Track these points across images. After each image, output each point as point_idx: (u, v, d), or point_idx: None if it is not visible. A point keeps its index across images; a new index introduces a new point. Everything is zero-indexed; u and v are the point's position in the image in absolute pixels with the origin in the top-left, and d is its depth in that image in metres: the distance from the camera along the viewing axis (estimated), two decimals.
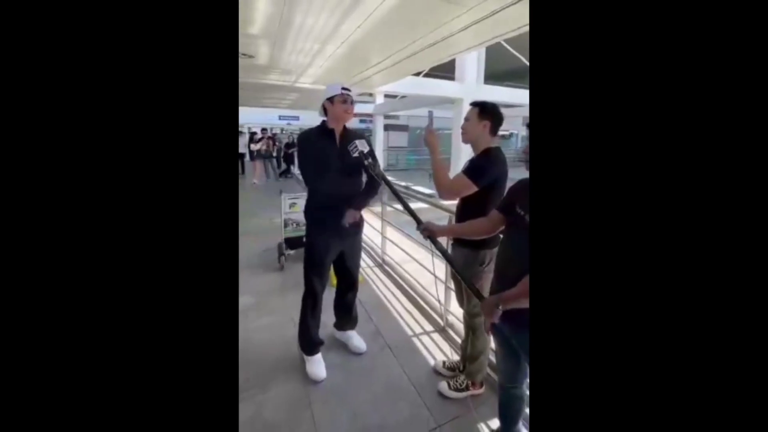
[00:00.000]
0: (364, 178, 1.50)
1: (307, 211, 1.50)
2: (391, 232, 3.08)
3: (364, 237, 3.70)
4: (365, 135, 1.51)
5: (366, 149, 1.36)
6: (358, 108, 9.42)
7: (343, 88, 1.40)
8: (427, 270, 1.98)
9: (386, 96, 8.53)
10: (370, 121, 12.75)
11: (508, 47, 5.29)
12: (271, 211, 4.36)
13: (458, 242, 1.35)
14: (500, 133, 1.30)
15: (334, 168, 1.39)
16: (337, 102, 1.40)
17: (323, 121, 1.47)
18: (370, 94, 9.64)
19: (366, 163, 1.35)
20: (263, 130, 8.69)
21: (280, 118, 14.22)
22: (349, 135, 1.47)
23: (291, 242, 2.89)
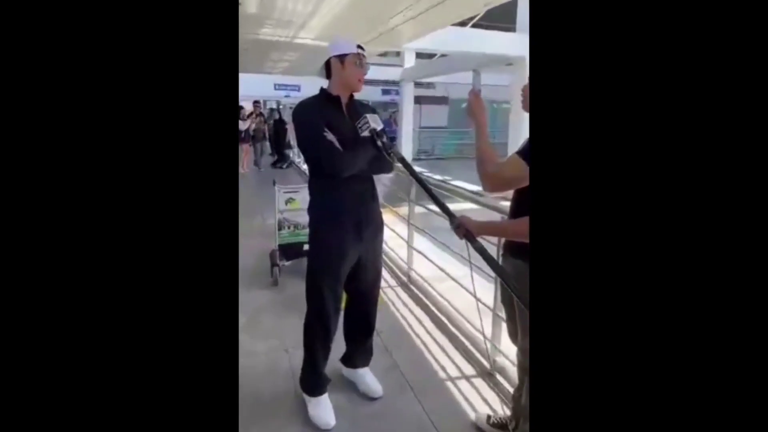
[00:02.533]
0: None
1: (314, 205, 1.55)
2: (420, 241, 3.11)
3: (383, 246, 3.76)
4: (374, 108, 1.56)
5: (379, 126, 1.40)
6: (380, 73, 9.54)
7: (359, 46, 1.44)
8: (468, 291, 1.99)
9: (418, 56, 8.59)
10: (396, 92, 12.83)
11: None
12: (262, 208, 4.51)
13: (510, 251, 1.33)
14: None
15: (344, 144, 1.42)
16: (350, 63, 1.43)
17: (323, 88, 1.51)
18: (397, 54, 9.73)
19: (379, 143, 1.39)
20: (255, 103, 8.97)
21: (277, 87, 14.62)
22: (357, 106, 1.52)
23: (287, 250, 3.00)
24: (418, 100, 11.00)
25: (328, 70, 1.49)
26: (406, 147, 9.03)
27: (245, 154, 8.22)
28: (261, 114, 8.87)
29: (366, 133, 1.40)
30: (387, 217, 3.60)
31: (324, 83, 1.54)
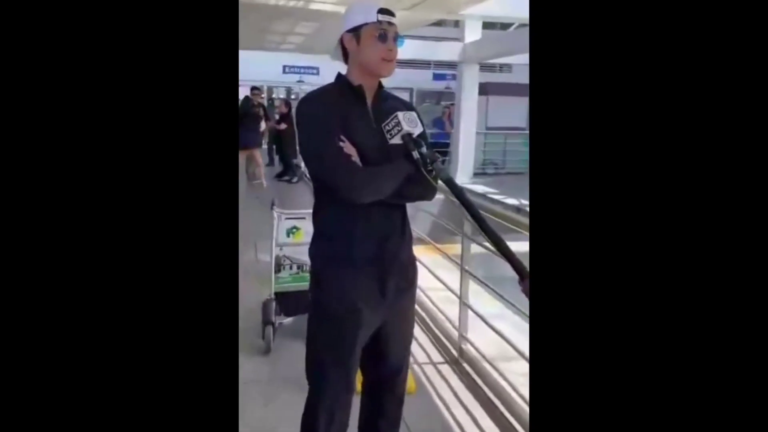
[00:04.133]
0: None
1: (316, 243, 1.58)
2: (479, 297, 3.06)
3: (424, 301, 3.74)
4: (412, 105, 1.54)
5: (416, 129, 1.39)
6: (430, 51, 9.63)
7: (381, 11, 1.45)
8: None
9: (486, 26, 8.69)
10: (453, 77, 12.83)
11: None
12: (254, 239, 4.58)
13: None
14: None
15: (367, 156, 1.44)
16: (368, 36, 1.44)
17: (341, 75, 1.54)
18: (456, 23, 9.89)
19: (416, 155, 1.37)
20: (254, 90, 9.34)
21: (286, 70, 14.92)
22: (387, 100, 1.53)
23: (287, 301, 3.03)
24: (485, 88, 11.03)
25: (344, 51, 1.52)
26: (466, 157, 9.02)
27: (255, 161, 8.51)
28: (261, 105, 9.16)
29: (397, 140, 1.40)
30: (430, 257, 3.58)
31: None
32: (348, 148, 1.41)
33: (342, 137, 1.41)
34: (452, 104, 10.89)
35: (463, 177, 8.81)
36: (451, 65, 10.48)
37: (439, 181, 1.43)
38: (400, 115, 1.38)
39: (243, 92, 9.20)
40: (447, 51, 8.86)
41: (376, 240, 1.51)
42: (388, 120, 1.40)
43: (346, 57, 1.52)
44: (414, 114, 1.42)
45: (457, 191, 1.40)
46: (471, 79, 8.75)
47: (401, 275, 1.58)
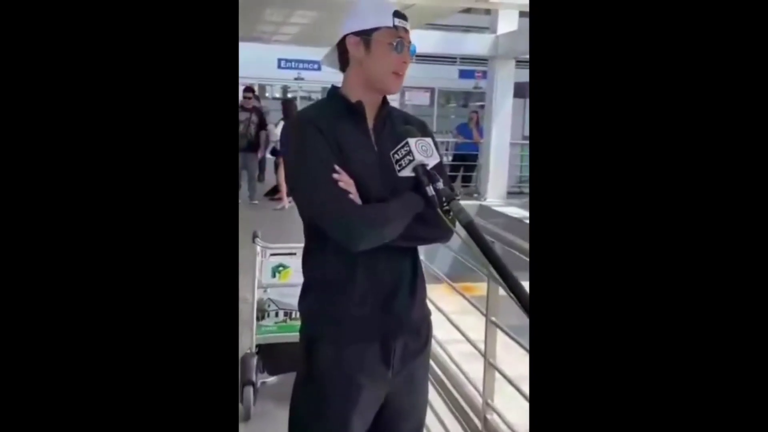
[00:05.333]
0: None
1: (307, 296, 1.58)
2: (508, 352, 3.01)
3: (441, 358, 3.69)
4: (426, 124, 1.55)
5: (431, 160, 1.40)
6: (455, 44, 9.69)
7: (397, 14, 1.45)
8: None
9: (523, 15, 8.74)
10: (483, 74, 12.93)
11: None
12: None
13: None
14: None
15: (368, 189, 1.43)
16: (380, 44, 1.46)
17: (334, 88, 1.55)
18: (486, 11, 9.97)
19: (430, 191, 1.36)
20: (246, 91, 9.43)
21: (282, 64, 15.17)
22: (393, 120, 1.53)
23: (271, 356, 3.04)
24: (522, 89, 11.03)
25: (342, 56, 1.52)
26: (498, 172, 9.05)
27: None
28: (256, 109, 9.22)
29: (407, 172, 1.39)
30: (449, 301, 3.54)
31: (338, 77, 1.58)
32: (345, 181, 1.40)
33: (338, 168, 1.40)
34: (482, 105, 10.92)
35: (494, 197, 8.79)
36: (482, 60, 10.53)
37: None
38: (412, 142, 1.37)
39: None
40: (476, 43, 8.93)
41: (380, 296, 1.50)
42: (398, 148, 1.39)
43: (344, 64, 1.52)
44: (429, 140, 1.42)
45: (481, 242, 1.34)
46: (505, 77, 8.80)
47: (411, 336, 1.56)
